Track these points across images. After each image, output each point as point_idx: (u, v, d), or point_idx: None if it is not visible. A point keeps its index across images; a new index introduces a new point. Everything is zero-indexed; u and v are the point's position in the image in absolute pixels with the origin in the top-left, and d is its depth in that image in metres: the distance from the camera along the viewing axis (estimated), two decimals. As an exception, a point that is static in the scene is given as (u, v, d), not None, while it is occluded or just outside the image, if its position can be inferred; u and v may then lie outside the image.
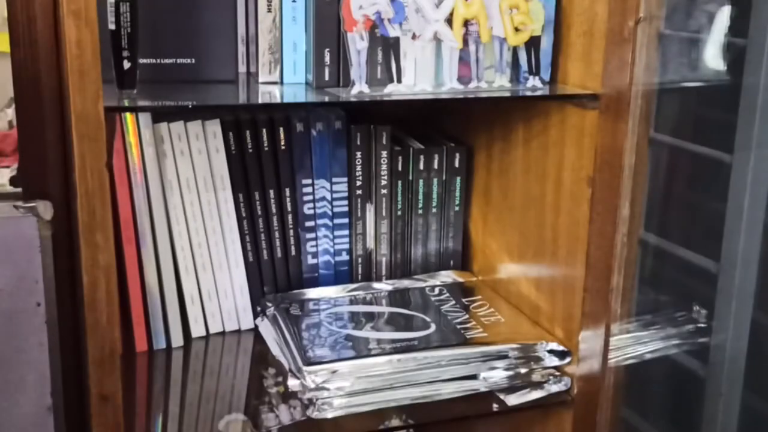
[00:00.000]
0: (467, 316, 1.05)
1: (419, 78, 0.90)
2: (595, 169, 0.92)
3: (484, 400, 0.95)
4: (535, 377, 0.97)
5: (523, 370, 0.97)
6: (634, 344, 0.96)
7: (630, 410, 0.99)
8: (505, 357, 0.97)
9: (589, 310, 0.95)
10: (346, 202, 1.12)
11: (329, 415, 0.88)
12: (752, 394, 0.89)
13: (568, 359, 0.98)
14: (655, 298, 1.02)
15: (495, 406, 0.95)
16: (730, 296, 0.87)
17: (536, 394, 0.96)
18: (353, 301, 1.08)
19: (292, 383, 0.90)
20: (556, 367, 0.98)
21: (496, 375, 0.96)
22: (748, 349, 0.88)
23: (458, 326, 1.02)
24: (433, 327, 1.02)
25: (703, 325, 0.93)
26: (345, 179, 1.11)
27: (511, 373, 0.96)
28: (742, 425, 0.89)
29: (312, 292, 1.10)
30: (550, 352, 0.98)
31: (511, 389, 0.96)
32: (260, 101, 0.91)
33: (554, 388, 0.97)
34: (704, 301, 0.91)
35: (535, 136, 1.03)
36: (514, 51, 0.93)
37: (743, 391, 0.89)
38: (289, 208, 1.09)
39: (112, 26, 0.76)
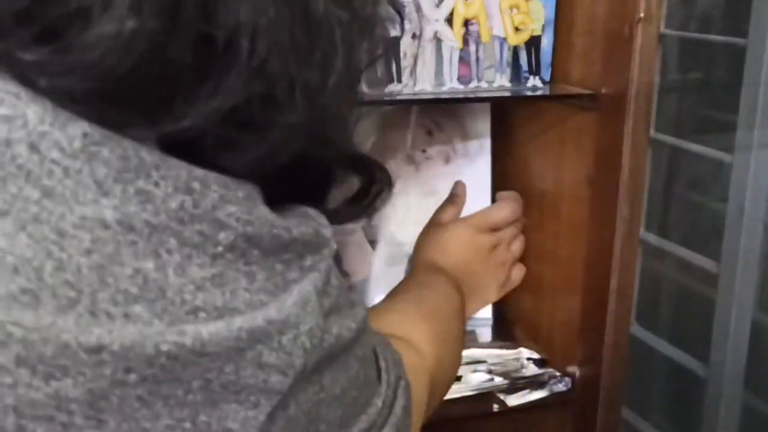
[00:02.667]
0: None
1: (419, 78, 0.89)
2: (595, 169, 0.92)
3: (485, 400, 0.95)
4: (535, 377, 0.97)
5: (500, 379, 0.97)
6: (634, 344, 0.96)
7: (630, 410, 0.99)
8: (483, 362, 0.97)
9: (589, 310, 0.95)
10: (346, 202, 1.11)
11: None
12: (752, 394, 0.89)
13: (545, 369, 0.98)
14: (655, 298, 1.02)
15: (495, 406, 0.95)
16: (730, 296, 0.87)
17: (537, 395, 0.96)
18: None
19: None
20: (535, 376, 0.98)
21: (479, 378, 0.96)
22: (748, 349, 0.88)
23: None
24: None
25: (702, 325, 0.93)
26: (345, 179, 1.10)
27: (490, 377, 0.96)
28: (742, 425, 0.89)
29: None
30: (528, 359, 0.98)
31: (511, 390, 0.96)
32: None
33: (555, 388, 0.97)
34: (704, 301, 0.91)
35: (535, 136, 1.03)
36: (515, 51, 0.93)
37: (743, 391, 0.89)
38: (289, 208, 1.09)
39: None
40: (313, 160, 0.44)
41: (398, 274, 1.05)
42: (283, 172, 0.42)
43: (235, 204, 0.35)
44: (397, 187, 1.07)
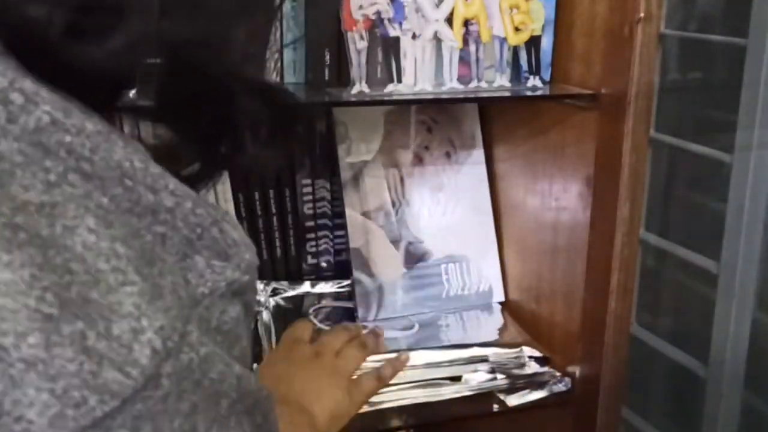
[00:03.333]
0: (456, 317, 1.06)
1: (419, 78, 0.90)
2: (595, 169, 0.92)
3: (485, 400, 0.95)
4: (536, 377, 0.97)
5: (502, 376, 0.97)
6: (634, 344, 0.96)
7: (630, 410, 0.99)
8: (485, 361, 0.97)
9: (589, 310, 0.95)
10: (346, 202, 1.12)
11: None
12: (752, 394, 0.89)
13: (547, 367, 0.98)
14: (655, 298, 1.02)
15: (495, 406, 0.95)
16: (731, 296, 0.87)
17: (537, 395, 0.96)
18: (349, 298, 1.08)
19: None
20: (537, 374, 0.98)
21: (479, 377, 0.96)
22: (748, 349, 0.88)
23: (441, 328, 1.03)
24: (416, 327, 1.02)
25: (702, 325, 0.93)
26: (345, 179, 1.11)
27: (491, 376, 0.96)
28: (742, 425, 0.89)
29: (311, 289, 1.10)
30: (530, 357, 0.98)
31: (512, 390, 0.96)
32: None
33: (555, 388, 0.97)
34: (704, 301, 0.91)
35: (535, 136, 1.03)
36: (515, 51, 0.93)
37: (743, 391, 0.89)
38: (289, 208, 1.09)
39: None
40: (210, 86, 0.39)
41: (416, 272, 1.08)
42: (179, 102, 0.38)
43: (73, 135, 0.30)
44: (410, 185, 1.09)
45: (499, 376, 0.96)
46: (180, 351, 0.31)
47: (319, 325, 1.03)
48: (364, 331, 0.85)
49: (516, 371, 0.97)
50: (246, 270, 0.34)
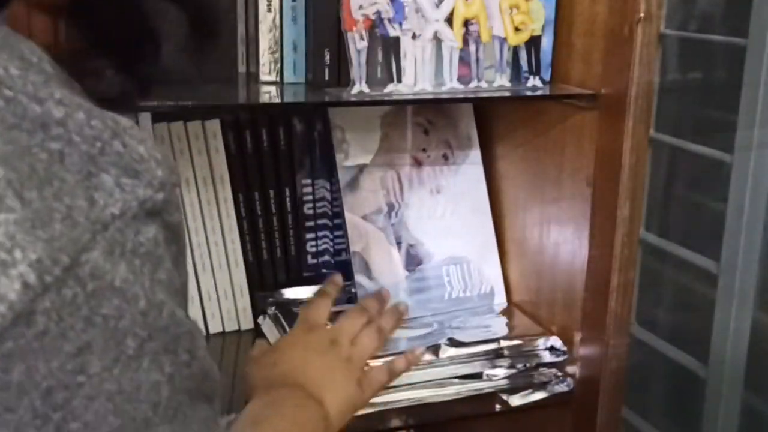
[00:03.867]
0: (463, 319, 1.06)
1: (419, 78, 0.89)
2: (595, 169, 0.92)
3: (487, 400, 0.95)
4: (537, 377, 0.97)
5: (522, 367, 0.97)
6: (634, 344, 0.96)
7: (630, 410, 0.99)
8: (505, 355, 0.97)
9: (589, 310, 0.95)
10: (346, 202, 1.12)
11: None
12: (752, 394, 0.89)
13: (565, 357, 0.98)
14: (655, 298, 1.02)
15: (498, 406, 0.95)
16: (731, 296, 0.87)
17: (539, 395, 0.96)
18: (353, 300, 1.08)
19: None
20: (554, 364, 0.98)
21: (500, 373, 0.96)
22: (748, 349, 0.88)
23: (456, 324, 1.03)
24: (434, 326, 1.02)
25: (702, 325, 0.93)
26: (345, 179, 1.11)
27: (513, 371, 0.96)
28: (742, 425, 0.89)
29: (313, 291, 1.10)
30: (549, 349, 0.98)
31: (514, 390, 0.96)
32: (260, 101, 0.91)
33: (557, 388, 0.97)
34: (704, 301, 0.91)
35: (535, 136, 1.03)
36: (515, 51, 0.93)
37: (743, 391, 0.89)
38: (289, 208, 1.09)
39: (112, 26, 0.76)
40: None
41: (417, 275, 1.07)
42: (90, 6, 0.36)
43: None
44: (409, 187, 1.08)
45: (521, 366, 0.96)
46: (63, 285, 0.28)
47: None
48: (387, 307, 0.86)
49: (534, 362, 0.97)
50: (159, 187, 0.32)
